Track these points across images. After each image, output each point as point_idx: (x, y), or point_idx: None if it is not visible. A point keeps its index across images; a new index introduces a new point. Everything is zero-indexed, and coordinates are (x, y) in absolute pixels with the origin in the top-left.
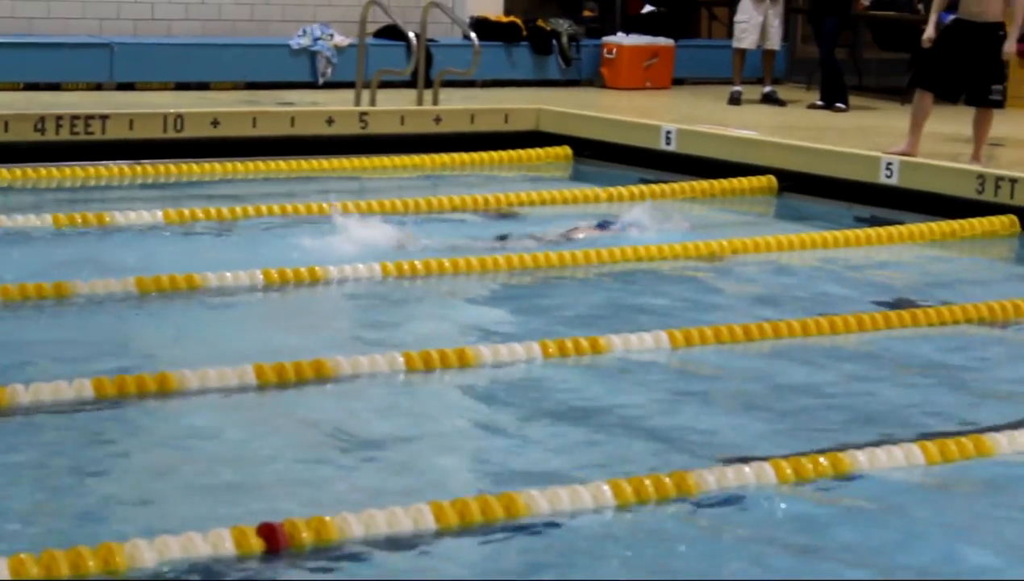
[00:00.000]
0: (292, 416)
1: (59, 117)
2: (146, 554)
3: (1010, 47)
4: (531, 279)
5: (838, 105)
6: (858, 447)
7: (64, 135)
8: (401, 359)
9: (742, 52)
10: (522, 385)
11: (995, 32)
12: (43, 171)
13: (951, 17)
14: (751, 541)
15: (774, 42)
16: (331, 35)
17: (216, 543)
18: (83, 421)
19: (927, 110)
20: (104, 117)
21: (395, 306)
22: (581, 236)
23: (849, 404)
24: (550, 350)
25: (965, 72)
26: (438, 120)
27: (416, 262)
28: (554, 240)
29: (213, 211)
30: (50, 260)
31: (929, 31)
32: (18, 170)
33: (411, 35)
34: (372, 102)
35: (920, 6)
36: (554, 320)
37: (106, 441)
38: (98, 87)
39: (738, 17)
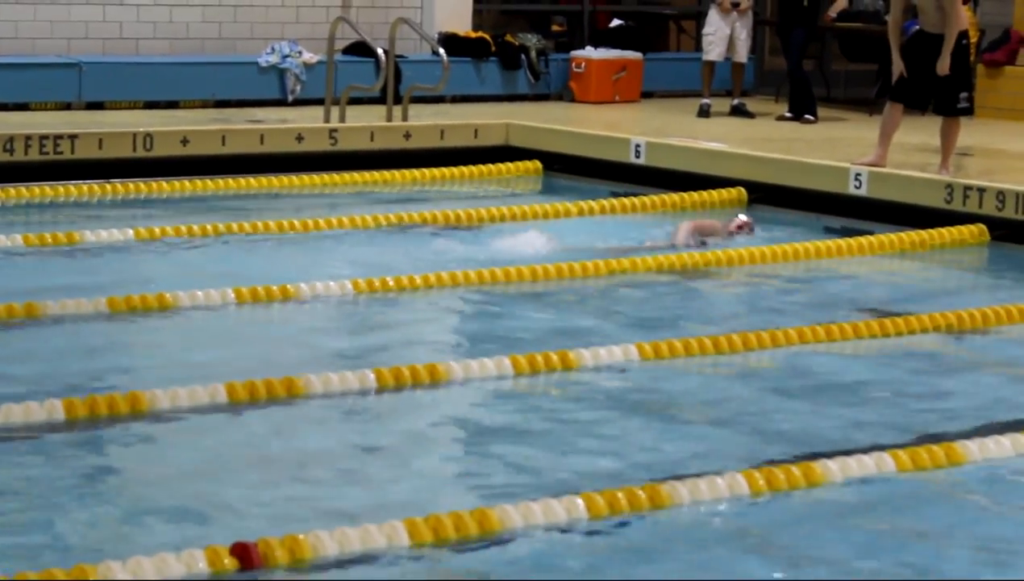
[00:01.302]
0: (264, 435)
1: (28, 137)
2: (119, 575)
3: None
4: (502, 293)
5: (807, 117)
6: (828, 456)
7: (33, 155)
8: (372, 376)
9: (711, 64)
10: (494, 401)
11: (958, 42)
12: (12, 191)
13: (914, 28)
14: (724, 552)
15: (741, 55)
16: (299, 52)
17: (189, 563)
18: (54, 442)
19: (897, 122)
20: (73, 137)
21: (366, 323)
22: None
23: (818, 413)
24: (521, 365)
25: (931, 82)
26: (408, 136)
27: (387, 278)
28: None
29: (184, 229)
30: (20, 280)
31: (898, 64)
32: None
33: (380, 51)
34: (342, 119)
35: (887, 17)
36: (525, 334)
37: (77, 462)
38: (67, 106)
39: (705, 29)
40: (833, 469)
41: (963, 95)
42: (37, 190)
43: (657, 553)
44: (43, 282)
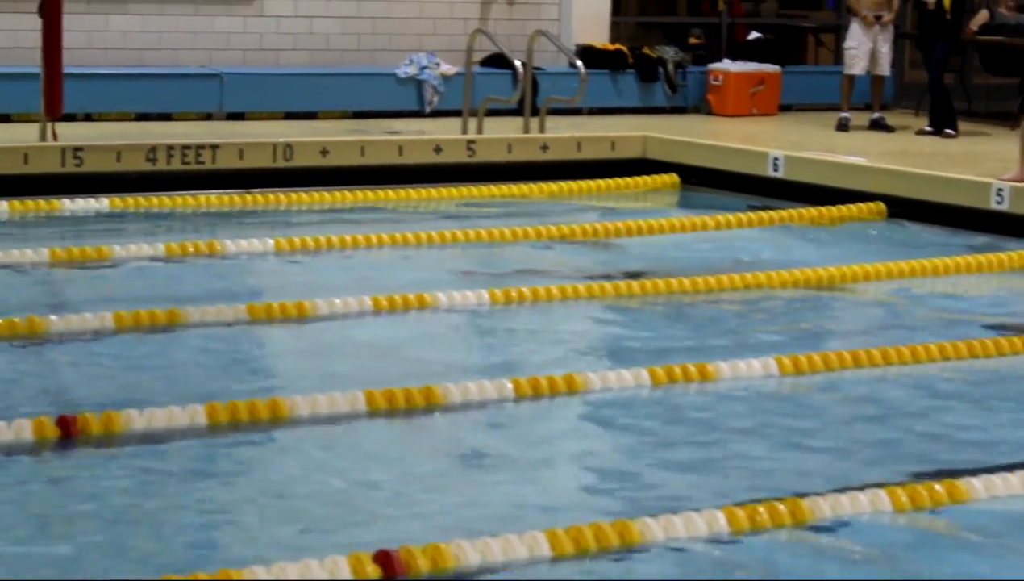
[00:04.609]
0: (403, 443)
1: (170, 147)
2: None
3: None
4: (639, 305)
5: (947, 131)
6: (973, 473)
7: (175, 165)
8: (510, 385)
9: (851, 78)
10: (631, 411)
11: None
12: (155, 200)
13: None
14: (867, 567)
15: (884, 68)
16: (437, 64)
17: (332, 570)
18: (196, 447)
19: None
20: (214, 147)
21: (503, 333)
22: None
23: (964, 430)
24: (659, 376)
25: None
26: (545, 148)
27: (523, 289)
28: None
29: (323, 239)
30: (162, 288)
31: None
32: (130, 199)
33: (517, 63)
34: (479, 130)
35: None
36: (663, 346)
37: (219, 466)
38: (208, 117)
39: (848, 43)
40: (977, 487)
41: None
42: (179, 200)
43: (798, 568)
44: (184, 290)
